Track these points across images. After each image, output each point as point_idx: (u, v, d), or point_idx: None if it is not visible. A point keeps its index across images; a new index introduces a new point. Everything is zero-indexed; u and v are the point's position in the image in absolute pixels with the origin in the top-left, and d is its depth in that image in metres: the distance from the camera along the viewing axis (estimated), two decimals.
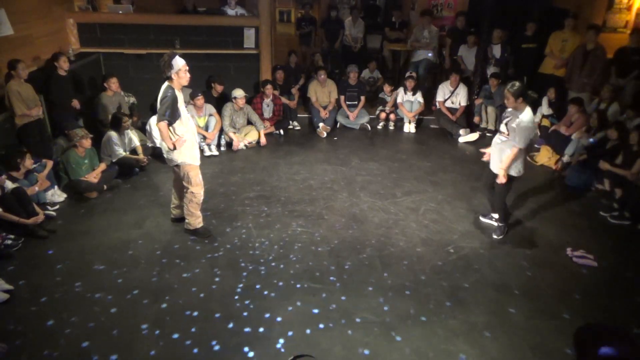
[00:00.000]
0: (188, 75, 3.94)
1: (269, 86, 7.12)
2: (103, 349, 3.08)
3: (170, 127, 3.96)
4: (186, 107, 4.37)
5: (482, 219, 4.86)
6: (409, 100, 7.63)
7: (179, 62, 3.85)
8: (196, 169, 4.22)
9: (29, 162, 4.65)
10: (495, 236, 4.56)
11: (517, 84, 4.12)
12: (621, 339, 1.47)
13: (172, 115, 3.89)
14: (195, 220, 4.37)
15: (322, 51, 9.39)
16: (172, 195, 4.62)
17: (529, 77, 7.86)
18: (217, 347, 3.12)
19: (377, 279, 3.87)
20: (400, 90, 7.72)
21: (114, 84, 6.38)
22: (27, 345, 3.10)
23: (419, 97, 7.64)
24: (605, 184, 5.39)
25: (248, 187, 5.50)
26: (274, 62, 7.87)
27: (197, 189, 4.25)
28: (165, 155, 4.26)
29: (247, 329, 3.28)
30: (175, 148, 3.99)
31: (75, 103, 5.98)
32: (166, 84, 3.92)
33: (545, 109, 6.97)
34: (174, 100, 3.88)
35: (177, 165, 4.17)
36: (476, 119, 7.58)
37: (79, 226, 4.59)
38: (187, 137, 4.05)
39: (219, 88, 7.07)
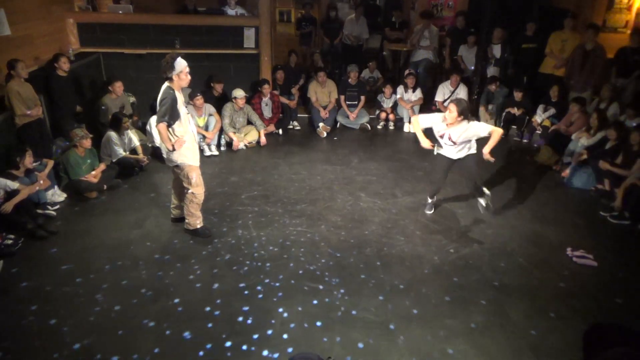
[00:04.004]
0: (189, 77, 3.95)
1: (266, 86, 7.12)
2: (104, 348, 3.08)
3: (170, 128, 3.96)
4: (186, 107, 4.37)
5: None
6: (409, 100, 7.63)
7: (181, 64, 3.84)
8: (196, 169, 4.21)
9: (28, 160, 4.64)
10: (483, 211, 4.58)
11: (465, 102, 4.23)
12: (630, 339, 1.46)
13: (171, 117, 3.89)
14: (195, 220, 4.37)
15: (322, 51, 9.38)
16: (171, 196, 4.62)
17: (529, 77, 7.86)
18: (213, 346, 3.12)
19: (377, 279, 3.87)
20: (400, 88, 7.72)
21: (118, 87, 6.38)
22: (28, 344, 3.10)
23: (418, 93, 7.66)
24: (605, 184, 5.38)
25: (248, 187, 5.50)
26: (274, 62, 7.86)
27: (197, 189, 4.25)
28: (165, 156, 4.26)
29: (246, 329, 3.28)
30: (174, 149, 3.99)
31: (79, 109, 6.04)
32: (166, 84, 3.92)
33: (539, 116, 6.98)
34: (174, 101, 3.88)
35: (177, 166, 4.17)
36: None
37: (79, 226, 4.59)
38: (186, 137, 4.04)
39: (218, 87, 7.08)
